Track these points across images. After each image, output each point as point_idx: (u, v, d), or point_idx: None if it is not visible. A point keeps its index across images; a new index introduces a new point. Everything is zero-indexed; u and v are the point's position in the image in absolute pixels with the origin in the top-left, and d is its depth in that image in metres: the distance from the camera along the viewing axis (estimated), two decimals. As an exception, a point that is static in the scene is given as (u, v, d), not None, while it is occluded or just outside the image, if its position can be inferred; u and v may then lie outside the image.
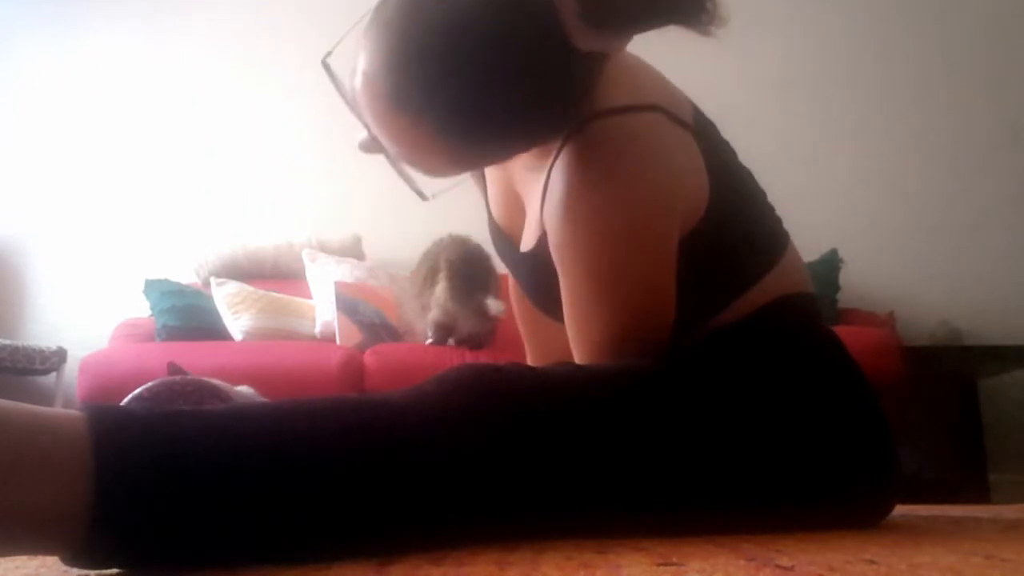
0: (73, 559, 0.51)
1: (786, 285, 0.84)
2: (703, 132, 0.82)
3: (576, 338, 0.80)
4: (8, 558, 0.60)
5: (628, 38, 0.69)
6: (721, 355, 0.78)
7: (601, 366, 0.75)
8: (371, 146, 0.81)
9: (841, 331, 0.90)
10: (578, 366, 0.76)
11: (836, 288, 2.72)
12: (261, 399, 1.16)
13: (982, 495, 2.54)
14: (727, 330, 0.81)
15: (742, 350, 0.79)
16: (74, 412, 0.53)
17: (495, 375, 0.67)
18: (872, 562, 0.51)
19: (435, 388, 0.66)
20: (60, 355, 3.01)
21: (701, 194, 0.79)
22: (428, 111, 0.69)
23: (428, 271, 2.47)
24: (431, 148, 0.73)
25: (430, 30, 0.66)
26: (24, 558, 0.63)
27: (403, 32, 0.68)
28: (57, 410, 0.53)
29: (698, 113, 0.85)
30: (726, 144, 0.88)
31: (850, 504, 0.79)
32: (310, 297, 2.92)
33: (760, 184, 0.91)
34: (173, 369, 1.09)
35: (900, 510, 1.27)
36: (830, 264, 2.75)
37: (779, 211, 0.94)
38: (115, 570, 0.53)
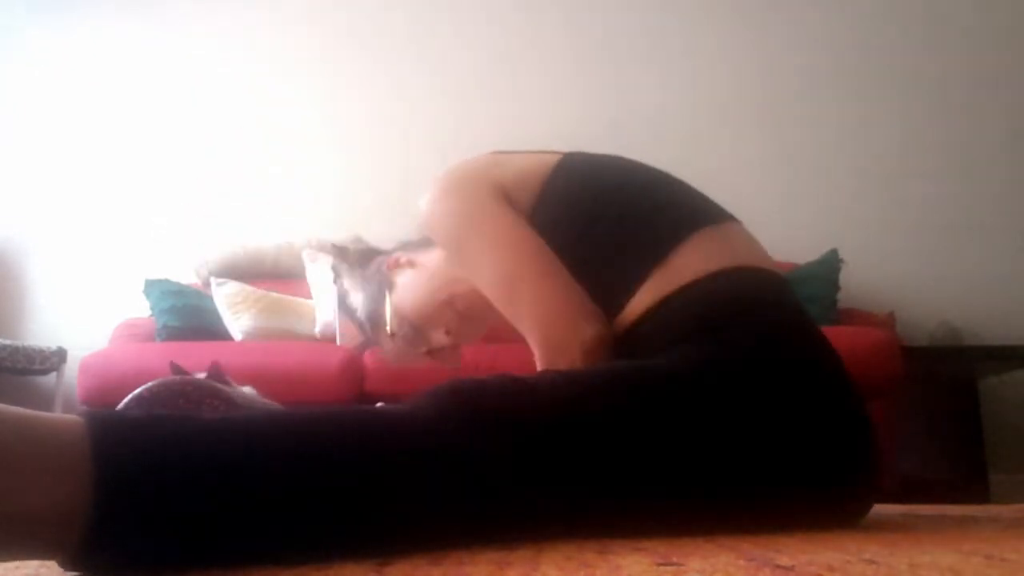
0: (72, 564, 0.51)
1: (710, 262, 0.83)
2: (568, 158, 0.93)
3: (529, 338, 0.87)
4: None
5: None
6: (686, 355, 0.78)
7: (578, 372, 0.77)
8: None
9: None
10: (560, 373, 0.77)
11: (836, 288, 2.72)
12: (262, 400, 1.16)
13: (982, 495, 2.53)
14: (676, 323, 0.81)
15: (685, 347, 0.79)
16: (72, 416, 0.53)
17: (479, 387, 0.70)
18: (872, 562, 0.51)
19: (428, 401, 0.68)
20: (60, 355, 3.01)
21: (525, 176, 0.90)
22: None
23: None
24: None
25: None
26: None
27: None
28: (55, 415, 0.53)
29: (569, 155, 0.94)
30: (603, 158, 0.95)
31: (811, 491, 0.77)
32: (310, 297, 2.92)
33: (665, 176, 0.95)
34: (175, 369, 1.09)
35: (900, 510, 1.27)
36: (830, 264, 2.75)
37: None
38: (114, 576, 0.53)
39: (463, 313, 1.04)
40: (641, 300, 0.84)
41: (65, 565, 0.51)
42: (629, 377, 0.75)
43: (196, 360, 2.22)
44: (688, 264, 0.84)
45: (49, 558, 0.51)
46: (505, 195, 0.87)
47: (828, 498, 0.79)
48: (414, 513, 0.59)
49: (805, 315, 0.89)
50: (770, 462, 0.75)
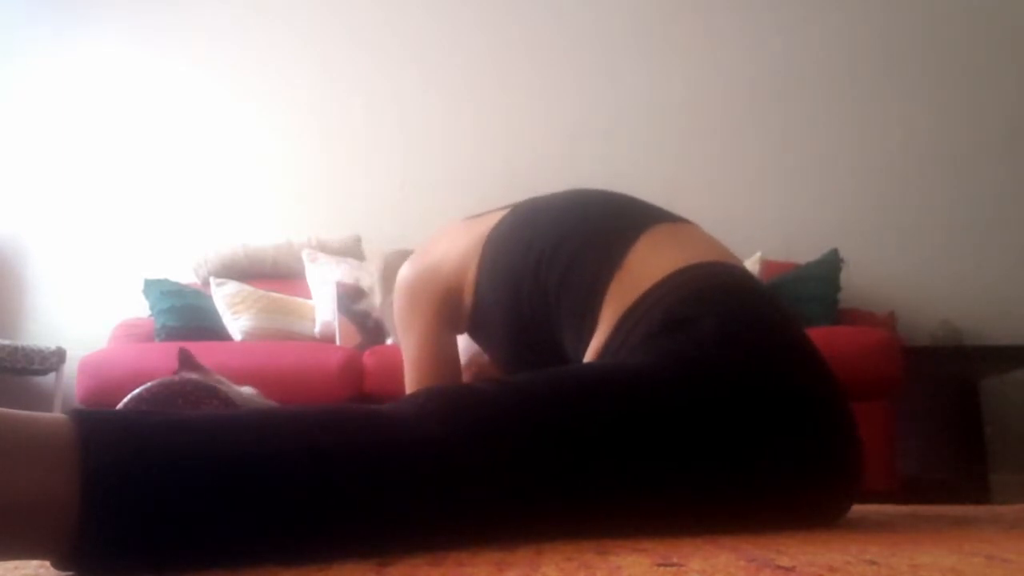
0: (63, 564, 0.51)
1: (665, 265, 0.89)
2: (495, 229, 1.12)
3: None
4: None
5: None
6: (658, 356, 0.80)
7: (559, 372, 0.79)
8: None
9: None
10: (541, 374, 0.78)
11: (836, 288, 2.71)
12: (262, 399, 1.16)
13: (982, 495, 2.53)
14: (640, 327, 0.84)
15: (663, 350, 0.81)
16: (60, 416, 0.53)
17: (466, 391, 0.73)
18: (873, 563, 0.51)
19: (414, 401, 0.69)
20: (59, 355, 3.00)
21: (464, 261, 1.13)
22: None
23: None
24: None
25: None
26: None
27: None
28: (43, 414, 0.52)
29: (496, 227, 1.12)
30: (530, 205, 1.12)
31: (778, 475, 0.78)
32: (310, 297, 2.92)
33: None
34: (184, 356, 1.09)
35: (900, 510, 1.27)
36: (830, 264, 2.74)
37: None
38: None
39: (474, 365, 1.33)
40: (607, 316, 0.89)
41: (59, 565, 0.51)
42: (611, 378, 0.77)
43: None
44: (644, 270, 0.90)
45: (42, 557, 0.51)
46: (443, 292, 1.15)
47: (796, 479, 0.79)
48: (402, 512, 0.60)
49: (775, 305, 0.91)
50: (743, 453, 0.76)
